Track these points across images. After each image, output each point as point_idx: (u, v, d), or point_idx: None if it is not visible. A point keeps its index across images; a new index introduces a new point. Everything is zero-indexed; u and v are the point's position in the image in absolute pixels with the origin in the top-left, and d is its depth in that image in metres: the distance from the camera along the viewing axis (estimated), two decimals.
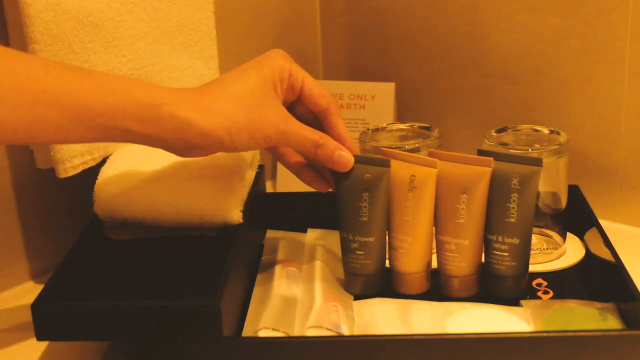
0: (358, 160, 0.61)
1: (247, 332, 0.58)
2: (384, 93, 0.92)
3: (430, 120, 0.75)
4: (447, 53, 0.90)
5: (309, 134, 0.58)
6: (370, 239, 0.62)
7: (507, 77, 0.86)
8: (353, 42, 0.99)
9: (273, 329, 0.57)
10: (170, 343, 0.57)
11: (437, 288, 0.65)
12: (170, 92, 0.53)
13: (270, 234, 0.76)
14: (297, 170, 0.63)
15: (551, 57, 0.82)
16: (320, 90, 0.61)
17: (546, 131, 0.71)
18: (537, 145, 0.68)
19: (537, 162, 0.61)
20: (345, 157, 0.59)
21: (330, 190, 0.64)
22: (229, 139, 0.53)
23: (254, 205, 0.69)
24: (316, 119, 0.62)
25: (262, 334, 0.57)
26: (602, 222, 0.71)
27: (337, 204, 0.63)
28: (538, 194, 0.66)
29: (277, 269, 0.67)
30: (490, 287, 0.65)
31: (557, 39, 0.80)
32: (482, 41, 0.86)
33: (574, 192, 0.75)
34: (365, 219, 0.62)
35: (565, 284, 0.69)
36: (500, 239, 0.62)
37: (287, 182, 0.93)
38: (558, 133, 0.70)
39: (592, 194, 0.77)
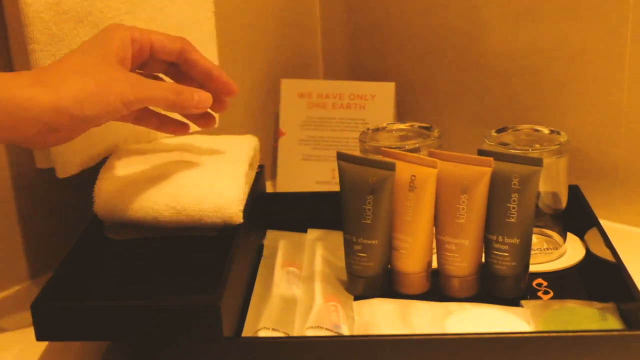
0: (364, 162, 0.61)
1: (247, 332, 0.58)
2: (384, 93, 0.92)
3: (430, 120, 0.75)
4: (447, 53, 0.90)
5: (166, 84, 0.58)
6: (374, 242, 0.62)
7: (507, 77, 0.86)
8: (353, 42, 0.99)
9: (273, 329, 0.57)
10: (170, 343, 0.56)
11: (437, 288, 0.65)
12: (4, 75, 0.50)
13: (270, 234, 0.76)
14: (157, 124, 0.63)
15: (551, 57, 0.81)
16: (169, 37, 0.60)
17: (546, 131, 0.71)
18: (537, 145, 0.68)
19: (537, 162, 0.61)
20: (202, 96, 0.58)
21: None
22: (79, 108, 0.50)
23: (254, 205, 0.69)
24: (176, 73, 0.62)
25: (262, 334, 0.57)
26: (602, 222, 0.71)
27: (341, 206, 0.63)
28: (538, 194, 0.66)
29: (277, 269, 0.67)
30: (490, 287, 0.65)
31: (558, 38, 0.80)
32: (482, 41, 0.86)
33: (574, 192, 0.75)
34: (369, 221, 0.61)
35: (565, 284, 0.68)
36: (500, 239, 0.62)
37: (287, 182, 0.93)
38: (558, 133, 0.70)
39: (592, 194, 0.77)
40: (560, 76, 0.82)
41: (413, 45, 0.93)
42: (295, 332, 0.58)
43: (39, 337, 0.54)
